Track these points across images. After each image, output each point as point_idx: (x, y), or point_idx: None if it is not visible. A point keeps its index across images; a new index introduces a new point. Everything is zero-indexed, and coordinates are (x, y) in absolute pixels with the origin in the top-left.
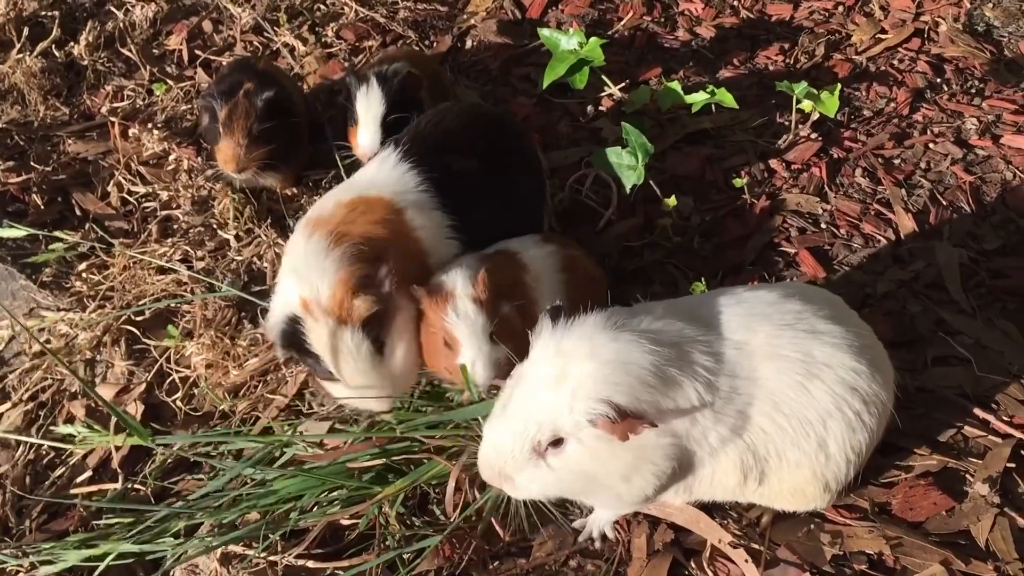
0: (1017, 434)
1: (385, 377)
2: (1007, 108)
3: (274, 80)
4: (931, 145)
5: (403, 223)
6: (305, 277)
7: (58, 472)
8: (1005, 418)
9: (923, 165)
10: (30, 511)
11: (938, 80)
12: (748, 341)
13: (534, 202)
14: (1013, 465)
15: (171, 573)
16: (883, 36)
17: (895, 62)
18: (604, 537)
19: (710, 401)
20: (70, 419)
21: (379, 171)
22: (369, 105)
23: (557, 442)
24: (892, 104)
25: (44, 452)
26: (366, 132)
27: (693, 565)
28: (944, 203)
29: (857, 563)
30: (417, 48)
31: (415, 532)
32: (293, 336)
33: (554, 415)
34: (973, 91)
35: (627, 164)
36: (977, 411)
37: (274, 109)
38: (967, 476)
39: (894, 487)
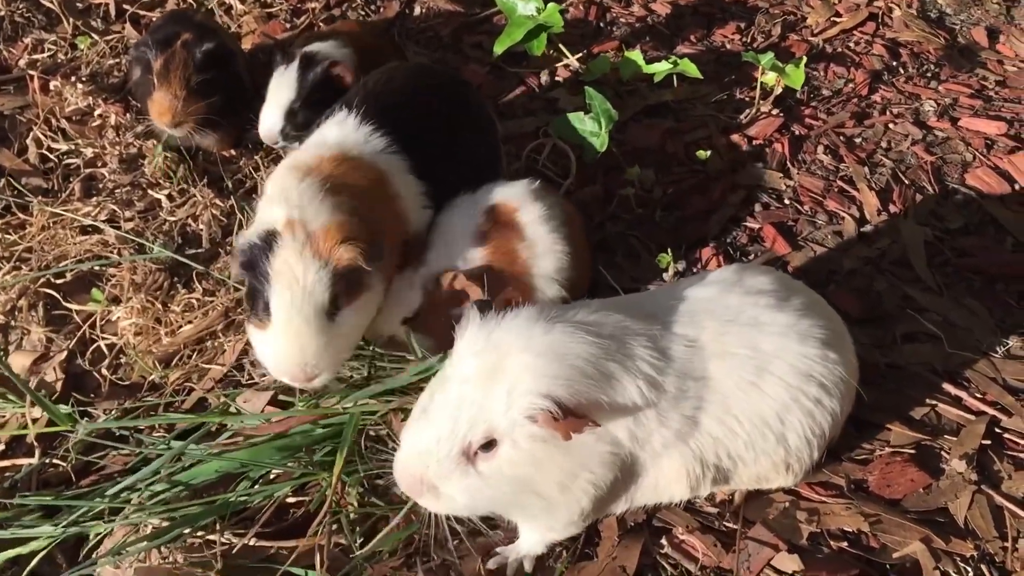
0: (990, 411)
1: (317, 341)
2: (963, 92)
3: (214, 33)
4: (891, 125)
5: (387, 190)
6: (298, 205)
7: None
8: (978, 395)
9: (884, 144)
10: None
11: (894, 63)
12: (698, 337)
13: (491, 165)
14: (988, 442)
15: (94, 555)
16: (838, 19)
17: (851, 44)
18: (522, 571)
19: (654, 400)
20: None
21: (342, 133)
22: (279, 88)
23: (488, 445)
24: (851, 85)
25: None
26: (267, 115)
27: (665, 543)
28: (906, 182)
29: (835, 540)
30: (363, 16)
31: (370, 512)
32: (259, 254)
33: (488, 413)
34: (929, 75)
35: (590, 130)
36: (949, 387)
37: (214, 61)
38: (943, 453)
39: (870, 464)
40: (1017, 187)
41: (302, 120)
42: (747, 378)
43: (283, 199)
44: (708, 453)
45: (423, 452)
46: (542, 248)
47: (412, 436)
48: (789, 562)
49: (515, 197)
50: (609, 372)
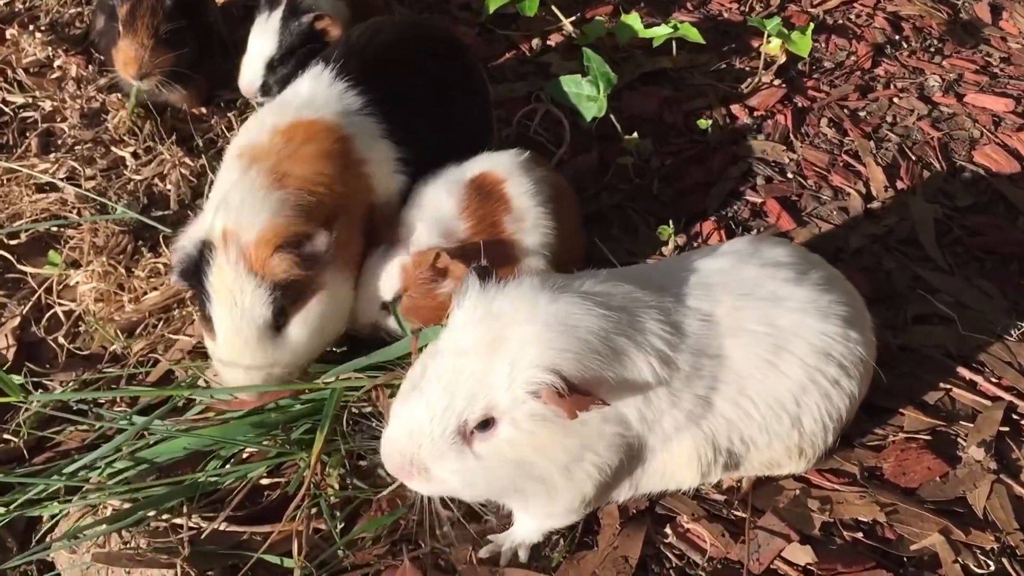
0: (1007, 396)
1: (266, 354)
2: (968, 68)
3: None
4: (895, 100)
5: (350, 156)
6: (236, 209)
7: None
8: (993, 380)
9: (889, 119)
10: None
11: (896, 37)
12: (712, 312)
13: (482, 128)
14: (1006, 429)
15: (48, 539)
16: None
17: (852, 17)
18: (516, 561)
19: (666, 379)
20: None
21: (314, 89)
22: (260, 38)
23: (485, 424)
24: (853, 57)
25: None
26: (247, 69)
27: (669, 531)
28: (913, 158)
29: (849, 531)
30: None
31: (352, 495)
32: (196, 265)
33: (487, 388)
34: (932, 50)
35: (587, 95)
36: (963, 371)
37: (184, 9)
38: (958, 440)
39: (883, 450)
40: None
41: (284, 74)
42: (764, 356)
43: (223, 200)
44: (721, 437)
45: (414, 431)
46: (530, 223)
47: (402, 413)
48: (801, 554)
49: (503, 168)
50: (619, 347)
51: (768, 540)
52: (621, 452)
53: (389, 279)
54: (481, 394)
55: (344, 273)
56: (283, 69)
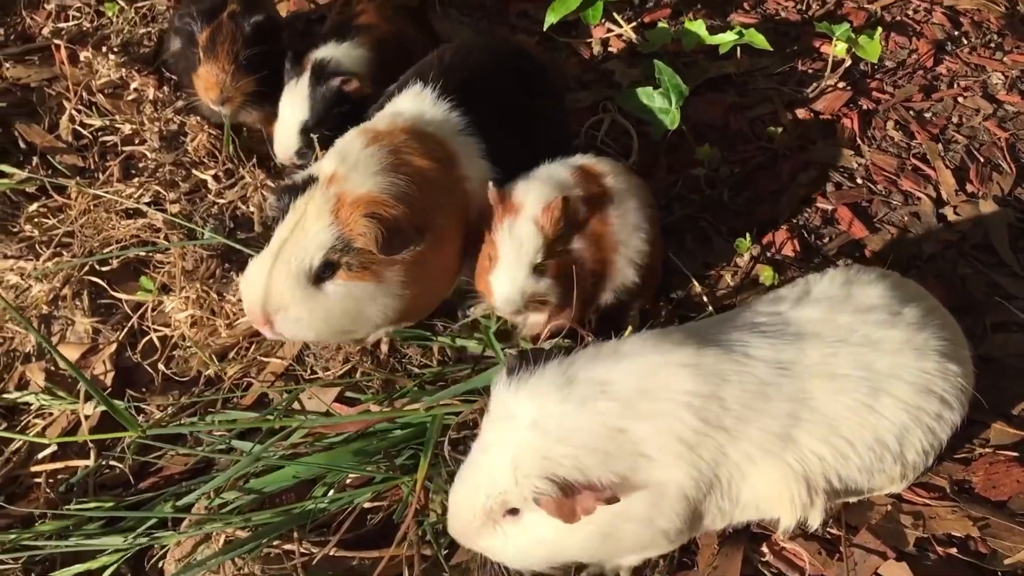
0: None
1: (284, 295)
2: None
3: (260, 2)
4: (960, 99)
5: (457, 172)
6: (352, 165)
7: (13, 447)
8: None
9: (955, 120)
10: None
11: (956, 33)
12: (796, 359)
13: (561, 142)
14: None
15: (160, 565)
16: None
17: (909, 12)
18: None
19: (697, 426)
20: (24, 385)
21: (419, 107)
22: (292, 105)
23: (515, 510)
24: (914, 56)
25: None
26: (282, 135)
27: (766, 550)
28: (981, 160)
29: (943, 546)
30: None
31: None
32: (297, 188)
33: (502, 485)
34: (993, 45)
35: (659, 107)
36: None
37: (263, 34)
38: None
39: (972, 464)
40: None
41: (318, 137)
42: (861, 400)
43: (340, 157)
44: (815, 473)
45: (457, 513)
46: (630, 219)
47: (453, 492)
48: (898, 570)
49: (604, 165)
50: (624, 431)
51: (864, 557)
52: (681, 500)
53: (530, 236)
54: (497, 489)
55: (402, 282)
56: (316, 133)
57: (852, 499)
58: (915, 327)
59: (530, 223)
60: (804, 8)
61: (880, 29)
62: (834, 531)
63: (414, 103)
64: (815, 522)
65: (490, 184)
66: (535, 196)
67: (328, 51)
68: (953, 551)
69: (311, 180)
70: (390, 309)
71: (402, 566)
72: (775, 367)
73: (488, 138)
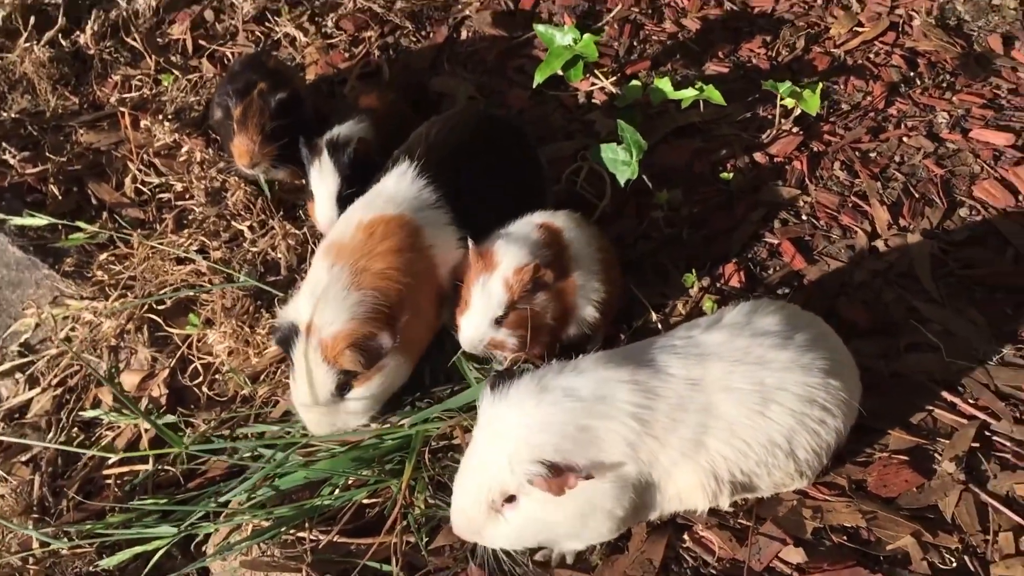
0: (981, 415)
1: (329, 415)
2: (975, 102)
3: (285, 79)
4: (904, 139)
5: (420, 242)
6: (321, 307)
7: (89, 454)
8: (971, 400)
9: (897, 159)
10: (64, 492)
11: (911, 74)
12: (701, 376)
13: (539, 191)
14: (978, 444)
15: (203, 548)
16: (860, 29)
17: (871, 55)
18: (563, 563)
19: (644, 432)
20: (97, 404)
21: (398, 186)
22: (323, 180)
23: (512, 498)
24: (868, 98)
25: (75, 435)
26: (322, 208)
27: (686, 538)
28: (916, 196)
29: (836, 535)
30: (414, 43)
31: (433, 513)
32: (288, 338)
33: (500, 477)
34: (944, 85)
35: (622, 160)
36: (945, 394)
37: (286, 108)
38: (935, 455)
39: (869, 465)
40: (1021, 199)
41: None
42: (754, 408)
43: (311, 293)
44: (721, 469)
45: (461, 507)
46: (587, 268)
47: (456, 491)
48: (795, 554)
49: (560, 220)
50: (589, 427)
51: (767, 543)
52: (627, 493)
53: (497, 293)
54: (496, 481)
55: (403, 356)
56: (349, 197)
57: (763, 494)
58: (803, 349)
59: (500, 282)
60: (774, 55)
61: (820, 84)
62: (744, 522)
63: (396, 182)
64: (724, 505)
65: (470, 242)
66: (511, 259)
67: (336, 130)
68: (844, 539)
69: (295, 329)
70: (403, 371)
71: (390, 550)
72: (688, 383)
73: (458, 208)
